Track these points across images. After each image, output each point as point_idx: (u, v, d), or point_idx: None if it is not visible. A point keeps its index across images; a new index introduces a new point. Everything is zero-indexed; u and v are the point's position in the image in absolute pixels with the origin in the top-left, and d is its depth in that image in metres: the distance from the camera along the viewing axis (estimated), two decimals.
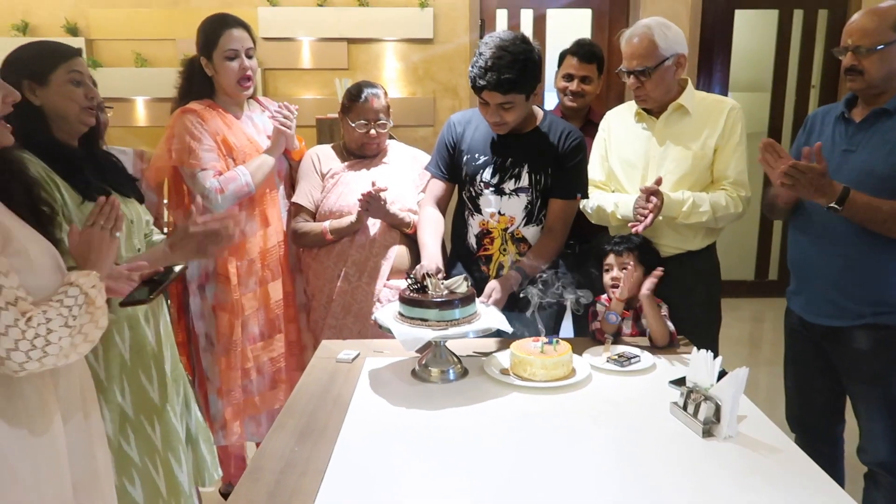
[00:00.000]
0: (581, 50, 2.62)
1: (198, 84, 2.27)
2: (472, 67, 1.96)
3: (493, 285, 1.96)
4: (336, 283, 2.32)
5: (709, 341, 2.19)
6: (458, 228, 2.28)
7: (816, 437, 2.13)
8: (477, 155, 2.17)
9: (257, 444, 2.55)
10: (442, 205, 2.25)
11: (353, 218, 2.27)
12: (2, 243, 1.15)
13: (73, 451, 1.28)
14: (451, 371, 1.80)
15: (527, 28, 4.78)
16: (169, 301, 2.31)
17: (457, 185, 2.29)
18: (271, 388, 2.38)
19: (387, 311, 1.86)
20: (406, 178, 2.40)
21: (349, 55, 4.66)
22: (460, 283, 1.81)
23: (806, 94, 5.03)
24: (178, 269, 1.58)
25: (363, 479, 1.32)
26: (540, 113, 2.17)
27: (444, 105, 4.78)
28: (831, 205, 1.78)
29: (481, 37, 4.70)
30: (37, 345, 1.11)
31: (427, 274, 1.82)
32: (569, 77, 2.63)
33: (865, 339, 1.89)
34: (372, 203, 2.20)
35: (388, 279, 2.31)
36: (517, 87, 1.94)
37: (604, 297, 2.08)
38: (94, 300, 1.21)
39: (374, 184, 2.21)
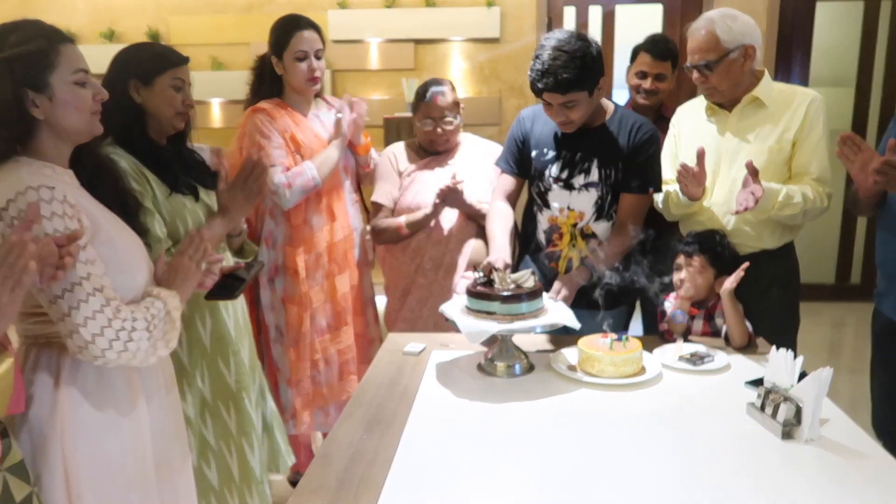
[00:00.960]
0: (655, 47, 2.55)
1: (268, 82, 2.33)
2: (531, 71, 1.94)
3: (562, 281, 1.94)
4: (413, 277, 2.35)
5: (785, 345, 2.10)
6: (527, 224, 2.26)
7: None
8: (545, 150, 2.15)
9: (324, 435, 2.61)
10: (511, 200, 2.24)
11: (428, 210, 2.30)
12: (91, 233, 1.21)
13: (156, 432, 1.34)
14: (517, 366, 1.78)
15: (595, 25, 4.71)
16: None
17: (526, 181, 2.27)
18: (339, 380, 2.43)
19: (454, 303, 1.85)
20: (480, 173, 2.41)
21: (416, 56, 4.70)
22: (527, 278, 1.79)
23: (894, 88, 4.76)
24: (258, 265, 1.65)
25: (429, 470, 1.32)
26: (610, 106, 2.13)
27: (509, 104, 4.76)
28: None
29: None
30: (121, 337, 1.16)
31: (494, 268, 1.81)
32: (642, 74, 2.57)
33: None
34: (450, 195, 2.23)
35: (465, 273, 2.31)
36: (577, 86, 1.91)
37: (672, 295, 2.02)
38: (174, 319, 1.26)
39: (454, 175, 2.24)
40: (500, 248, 2.02)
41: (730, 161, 2.07)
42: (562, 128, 2.06)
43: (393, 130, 4.11)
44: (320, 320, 2.37)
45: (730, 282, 1.85)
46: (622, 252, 2.08)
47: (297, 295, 2.32)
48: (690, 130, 2.19)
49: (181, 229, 1.69)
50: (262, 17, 4.62)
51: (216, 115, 4.89)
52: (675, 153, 2.22)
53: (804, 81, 4.68)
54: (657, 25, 4.68)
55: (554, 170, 2.12)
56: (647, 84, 2.54)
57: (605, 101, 2.13)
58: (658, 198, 2.21)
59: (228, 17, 4.76)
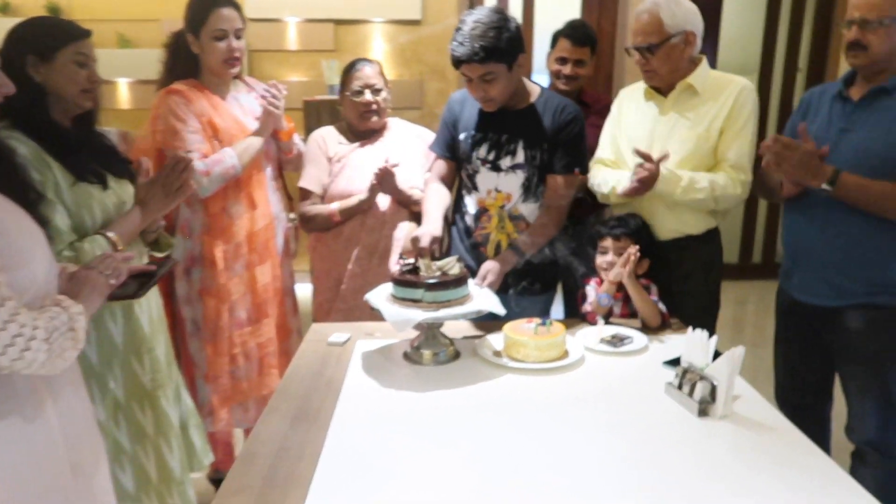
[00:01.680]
0: (575, 33, 2.57)
1: (183, 61, 2.21)
2: (451, 45, 1.93)
3: (487, 266, 1.94)
4: (346, 265, 2.31)
5: (705, 328, 2.18)
6: (457, 208, 2.25)
7: (805, 416, 2.11)
8: (472, 132, 2.14)
9: (245, 432, 2.53)
10: (447, 184, 2.23)
11: (362, 195, 2.25)
12: None
13: (68, 433, 1.25)
14: (442, 353, 1.77)
15: (516, 8, 4.72)
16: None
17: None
18: (259, 374, 2.35)
19: (379, 292, 1.83)
20: (412, 157, 2.38)
21: (336, 36, 4.59)
22: (453, 265, 1.78)
23: (792, 77, 5.02)
24: (167, 264, 1.56)
25: (358, 463, 1.30)
26: (536, 89, 2.13)
27: (431, 87, 4.72)
28: (823, 186, 1.77)
29: None
30: (17, 343, 1.06)
31: (420, 255, 1.79)
32: (562, 60, 2.59)
33: (859, 319, 1.88)
34: (385, 178, 2.20)
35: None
36: (494, 56, 1.91)
37: (593, 279, 2.06)
38: (76, 335, 1.17)
39: (387, 160, 2.20)
40: (432, 221, 2.00)
41: (662, 146, 2.10)
42: (483, 105, 2.05)
43: (313, 114, 4.00)
44: (239, 313, 2.28)
45: (619, 265, 1.89)
46: (550, 234, 2.09)
47: (215, 287, 2.23)
48: (632, 111, 2.21)
49: (87, 221, 1.57)
50: None
51: (124, 95, 4.62)
52: (615, 133, 2.24)
53: (712, 68, 4.86)
54: (575, 11, 4.74)
55: (481, 152, 2.12)
56: (567, 70, 2.57)
57: (529, 83, 2.14)
58: (593, 180, 2.21)
59: None
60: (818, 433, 2.13)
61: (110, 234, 1.56)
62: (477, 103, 2.11)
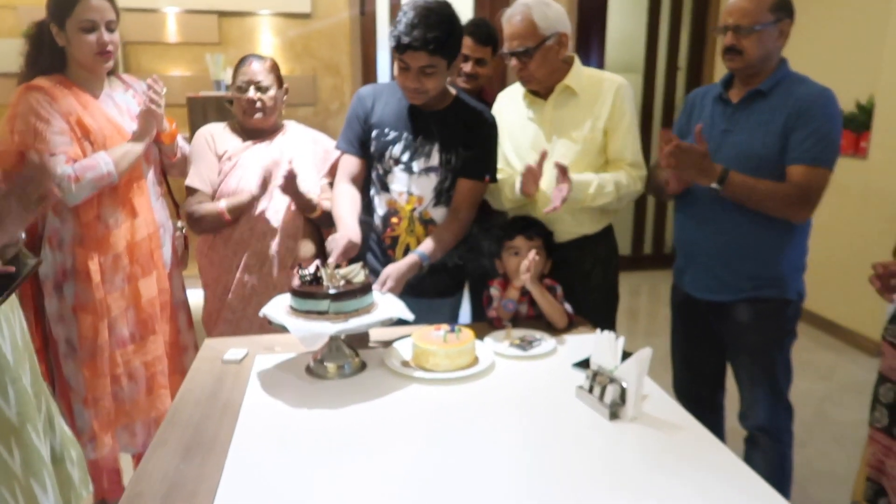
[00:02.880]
0: (477, 31, 2.54)
1: (47, 53, 2.01)
2: (395, 27, 1.85)
3: (387, 271, 1.87)
4: (234, 273, 2.19)
5: (607, 322, 2.22)
6: (363, 210, 2.15)
7: (701, 406, 2.21)
8: (387, 130, 2.05)
9: (134, 457, 2.34)
10: (357, 182, 2.12)
11: (253, 190, 2.14)
12: None
13: None
14: (347, 365, 1.70)
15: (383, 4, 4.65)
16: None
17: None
18: (147, 395, 2.17)
19: (276, 304, 1.72)
20: (307, 160, 2.28)
21: (220, 29, 4.36)
22: (357, 272, 1.70)
23: (674, 75, 5.28)
24: (27, 268, 1.35)
25: (261, 494, 1.20)
26: (452, 91, 2.08)
27: (325, 83, 4.59)
28: (712, 185, 1.83)
29: (362, 13, 4.60)
30: None
31: (321, 264, 1.70)
32: (464, 58, 2.56)
33: (747, 312, 1.97)
34: (288, 181, 2.07)
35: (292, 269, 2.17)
36: (443, 49, 1.85)
37: (496, 280, 2.05)
38: None
39: (290, 161, 2.10)
40: (349, 226, 1.92)
41: (548, 150, 2.11)
42: (412, 97, 1.97)
43: (198, 111, 3.77)
44: (121, 330, 2.10)
45: (524, 269, 1.89)
46: (455, 239, 2.05)
47: (91, 302, 2.03)
48: (513, 117, 2.20)
49: None
50: None
51: None
52: (498, 141, 2.23)
53: (600, 67, 5.02)
54: (468, 8, 4.75)
55: (395, 151, 2.04)
56: (468, 68, 2.54)
57: (448, 85, 2.08)
58: (491, 188, 2.19)
59: None
60: (713, 421, 2.24)
61: None
62: (392, 100, 2.03)
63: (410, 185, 2.05)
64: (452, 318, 2.21)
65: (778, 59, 1.92)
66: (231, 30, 4.39)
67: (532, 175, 1.99)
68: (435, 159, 2.04)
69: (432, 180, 2.05)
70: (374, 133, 2.07)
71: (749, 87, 1.93)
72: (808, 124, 1.82)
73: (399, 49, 1.86)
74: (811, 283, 2.06)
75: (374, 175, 2.10)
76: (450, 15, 1.87)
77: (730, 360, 2.13)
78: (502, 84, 4.66)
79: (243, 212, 2.17)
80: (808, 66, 2.28)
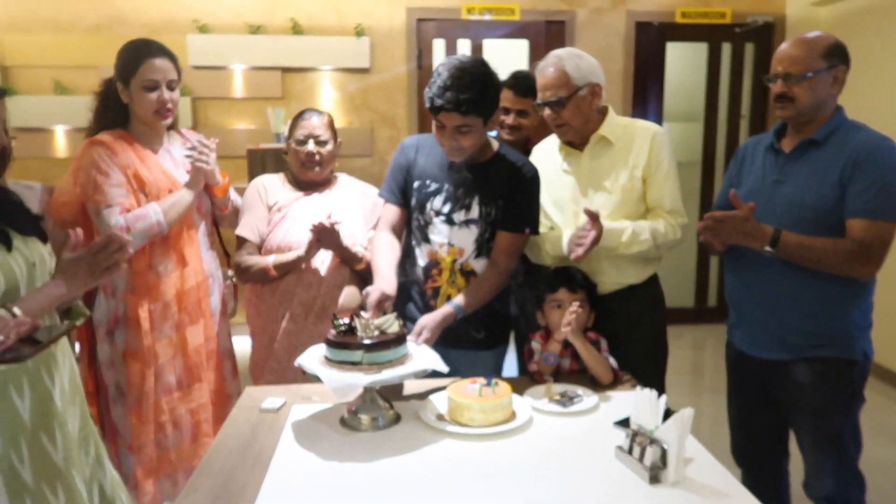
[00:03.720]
0: (518, 83, 2.57)
1: (113, 110, 2.14)
2: (430, 88, 1.89)
3: (423, 322, 1.87)
4: (280, 323, 2.22)
5: (656, 375, 2.16)
6: (405, 259, 2.17)
7: (762, 471, 2.09)
8: (428, 181, 2.08)
9: None
10: (397, 231, 2.15)
11: (300, 252, 2.17)
12: None
13: None
14: (381, 418, 1.69)
15: None
16: (78, 348, 2.13)
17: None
18: (192, 443, 2.21)
19: (311, 355, 1.73)
20: (356, 212, 2.32)
21: (283, 84, 4.56)
22: (391, 322, 1.71)
23: (736, 123, 5.17)
24: (63, 326, 1.41)
25: None
26: (496, 143, 2.10)
27: (381, 135, 4.71)
28: (766, 248, 1.77)
29: (419, 67, 4.74)
30: None
31: (356, 314, 1.71)
32: (505, 111, 2.58)
33: (805, 372, 1.87)
34: (325, 234, 2.12)
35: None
36: (476, 109, 1.88)
37: (538, 333, 2.01)
38: None
39: (329, 215, 2.13)
40: (385, 276, 1.94)
41: (587, 201, 2.10)
42: (450, 155, 2.00)
43: (258, 162, 3.93)
44: (168, 377, 2.15)
45: (566, 323, 1.85)
46: (493, 291, 2.04)
47: (140, 349, 2.10)
48: (550, 169, 2.20)
49: None
50: (112, 39, 4.27)
51: (61, 143, 4.48)
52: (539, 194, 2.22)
53: (659, 117, 4.98)
54: (523, 60, 4.82)
55: (436, 203, 2.07)
56: (509, 120, 2.55)
57: (491, 137, 2.11)
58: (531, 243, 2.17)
59: (73, 37, 4.40)
60: (777, 488, 2.10)
61: (15, 310, 1.42)
62: (434, 150, 2.06)
63: (451, 236, 2.06)
64: (495, 371, 2.17)
65: (833, 106, 1.86)
66: (293, 85, 4.59)
67: (582, 235, 1.96)
68: (475, 212, 2.05)
69: (473, 232, 2.05)
70: (415, 184, 2.10)
71: (802, 136, 1.87)
72: (868, 175, 1.74)
73: (433, 111, 1.90)
74: (884, 337, 1.93)
75: (414, 226, 2.12)
76: (484, 74, 1.89)
77: (791, 423, 2.00)
78: (548, 134, 4.69)
79: (290, 269, 2.21)
80: (867, 114, 2.20)
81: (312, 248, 2.16)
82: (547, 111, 2.06)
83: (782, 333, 1.88)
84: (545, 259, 2.17)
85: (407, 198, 2.14)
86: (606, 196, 2.08)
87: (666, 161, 2.07)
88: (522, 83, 2.55)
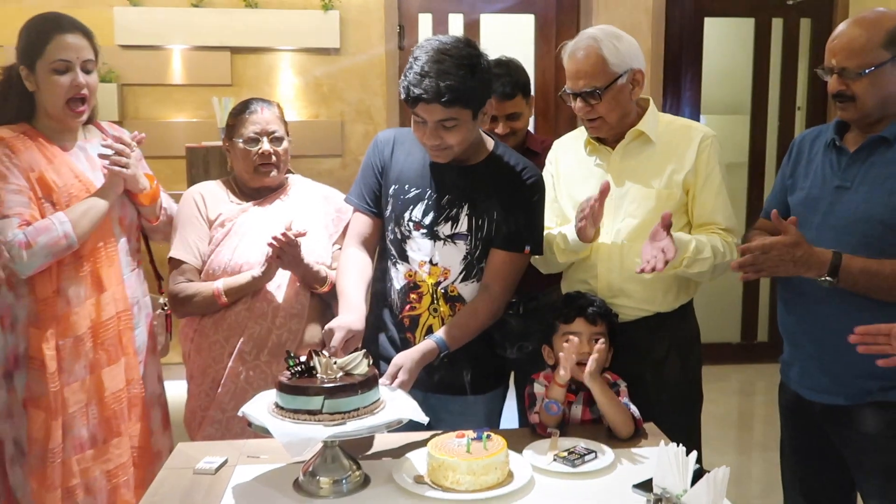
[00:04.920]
0: (499, 87, 2.54)
1: (15, 99, 2.16)
2: (405, 76, 1.91)
3: (398, 361, 1.87)
4: (225, 363, 2.22)
5: (688, 427, 2.17)
6: (377, 280, 2.18)
7: None
8: (407, 186, 2.09)
9: None
10: (369, 245, 2.16)
11: (256, 272, 2.17)
12: None
13: None
14: (346, 481, 1.69)
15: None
16: None
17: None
18: None
19: (259, 403, 1.73)
20: (317, 223, 2.33)
21: (233, 68, 4.58)
22: (358, 362, 1.71)
23: (790, 116, 5.22)
24: None
25: None
26: (490, 142, 2.12)
27: (354, 130, 4.74)
28: (823, 278, 1.78)
29: (400, 48, 4.78)
30: None
31: (315, 352, 1.71)
32: (492, 119, 2.61)
33: (875, 420, 1.87)
34: (287, 250, 2.12)
35: None
36: (461, 99, 1.88)
37: (542, 373, 2.02)
38: None
39: (289, 226, 2.14)
40: (352, 306, 1.95)
41: (614, 208, 2.11)
42: (433, 155, 2.01)
43: (199, 164, 3.94)
44: (79, 430, 2.14)
45: (591, 365, 1.86)
46: (484, 322, 2.04)
47: (45, 396, 2.09)
48: (573, 167, 2.23)
49: None
50: (20, 13, 4.30)
51: None
52: (553, 196, 2.25)
53: (695, 109, 5.03)
54: (529, 38, 4.87)
55: (416, 212, 2.07)
56: (499, 129, 2.58)
57: (484, 134, 2.12)
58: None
59: None
60: None
61: None
62: (416, 149, 2.08)
63: (434, 253, 2.07)
64: (489, 422, 2.17)
65: None
66: (246, 69, 4.61)
67: (592, 212, 1.97)
68: (464, 224, 2.05)
69: (460, 249, 2.06)
70: (391, 189, 2.11)
71: (871, 133, 1.89)
72: None
73: (410, 103, 1.91)
74: None
75: (389, 239, 2.13)
76: (469, 56, 1.90)
77: (857, 482, 2.01)
78: (569, 125, 4.73)
79: (245, 294, 2.21)
80: None
81: (272, 267, 2.16)
82: (578, 103, 2.07)
83: (845, 373, 1.88)
84: (558, 258, 2.17)
85: (381, 205, 2.14)
86: (637, 203, 2.10)
87: (717, 171, 2.11)
88: (506, 81, 2.56)
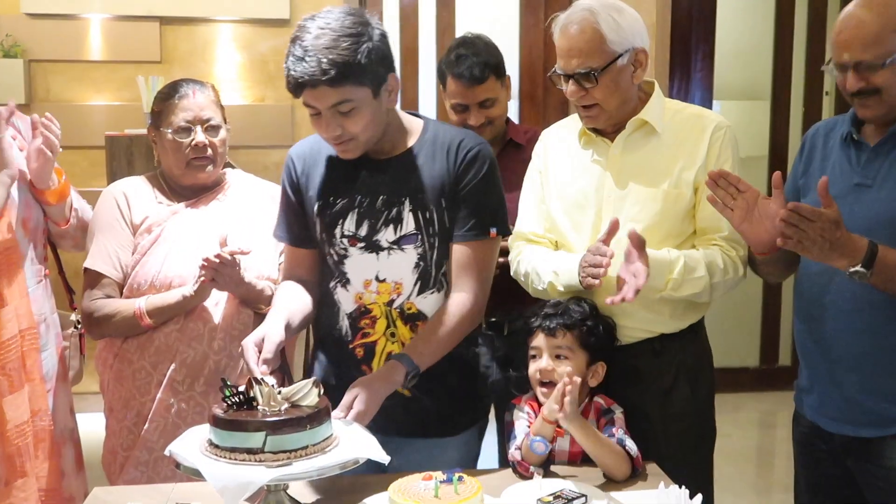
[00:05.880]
0: (464, 70, 2.61)
1: None
2: (286, 60, 1.92)
3: (355, 389, 1.87)
4: (153, 393, 2.22)
5: (697, 465, 2.19)
6: (323, 310, 2.18)
7: None
8: (332, 198, 2.10)
9: None
10: (307, 279, 2.16)
11: (187, 290, 2.18)
12: None
13: None
14: None
15: (428, 11, 4.88)
16: None
17: None
18: None
19: (190, 439, 1.74)
20: (261, 230, 2.33)
21: (162, 42, 4.60)
22: (307, 391, 1.72)
23: (817, 102, 5.31)
24: None
25: None
26: (418, 124, 2.13)
27: (307, 116, 4.61)
28: (855, 268, 1.80)
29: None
30: None
31: (255, 379, 1.72)
32: (461, 108, 2.63)
33: None
34: (223, 272, 2.12)
35: None
36: (349, 74, 1.88)
37: (526, 400, 2.04)
38: None
39: (224, 240, 2.14)
40: (270, 321, 1.94)
41: (613, 210, 2.13)
42: (340, 150, 2.01)
43: (121, 155, 3.93)
44: None
45: (567, 407, 1.83)
46: (461, 332, 2.04)
47: None
48: (564, 162, 2.24)
49: None
50: None
51: None
52: (540, 195, 2.27)
53: (707, 93, 5.08)
54: (513, 10, 4.90)
55: (348, 225, 2.08)
56: (472, 119, 2.60)
57: (408, 116, 2.14)
58: (528, 268, 2.20)
59: None
60: None
61: None
62: (335, 156, 2.08)
63: (379, 268, 2.08)
64: (465, 461, 2.17)
65: None
66: (176, 43, 4.62)
67: (600, 261, 1.98)
68: (409, 223, 2.06)
69: (409, 256, 2.07)
70: (315, 207, 2.12)
71: (891, 125, 1.93)
72: None
73: (294, 91, 1.93)
74: None
75: (329, 263, 2.14)
76: (355, 25, 1.90)
77: None
78: (559, 112, 4.77)
79: (172, 316, 2.21)
80: None
81: (204, 290, 2.17)
82: (571, 86, 2.09)
83: (872, 401, 1.92)
84: (551, 294, 2.18)
85: (308, 233, 2.16)
86: (640, 205, 2.11)
87: (730, 167, 2.10)
88: (469, 66, 2.58)
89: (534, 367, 2.00)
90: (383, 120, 2.02)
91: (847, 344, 1.94)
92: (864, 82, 1.87)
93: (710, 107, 4.94)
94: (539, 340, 2.01)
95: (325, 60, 1.85)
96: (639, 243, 1.94)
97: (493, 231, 2.08)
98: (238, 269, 2.15)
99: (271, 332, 1.88)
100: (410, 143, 2.10)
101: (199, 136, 2.26)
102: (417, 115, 2.17)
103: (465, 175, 2.06)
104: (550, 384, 1.95)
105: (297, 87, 1.90)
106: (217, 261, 2.10)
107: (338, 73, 1.86)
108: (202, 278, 2.15)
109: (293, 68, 1.88)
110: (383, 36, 1.97)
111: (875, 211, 1.89)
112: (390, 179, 2.07)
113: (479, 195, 2.08)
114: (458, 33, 4.72)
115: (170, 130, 2.26)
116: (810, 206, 1.77)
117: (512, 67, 4.75)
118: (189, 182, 2.32)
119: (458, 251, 2.07)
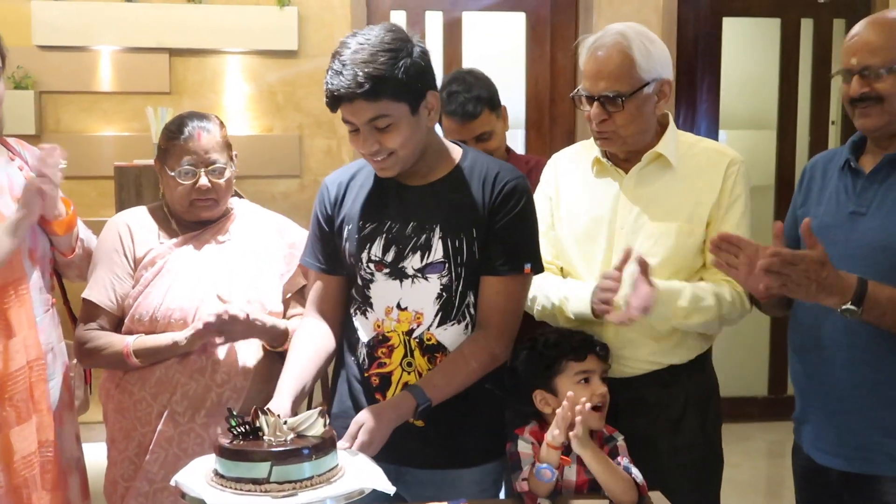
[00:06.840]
0: (458, 108, 2.63)
1: None
2: (326, 75, 1.92)
3: (360, 419, 1.87)
4: (154, 424, 2.22)
5: (705, 496, 2.20)
6: (343, 337, 2.18)
7: None
8: (362, 222, 2.08)
9: None
10: (330, 311, 2.15)
11: (180, 337, 2.18)
12: None
13: None
14: None
15: (435, 37, 4.89)
16: None
17: None
18: None
19: (195, 469, 1.74)
20: (268, 265, 2.34)
21: (171, 73, 4.62)
22: (313, 421, 1.72)
23: (824, 131, 5.30)
24: None
25: None
26: (457, 151, 2.12)
27: (315, 146, 4.76)
28: (846, 306, 1.80)
29: None
30: None
31: (261, 410, 1.72)
32: (460, 143, 2.64)
33: None
34: (227, 327, 2.14)
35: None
36: (387, 89, 1.87)
37: (528, 428, 2.03)
38: None
39: (225, 308, 2.14)
40: (281, 390, 1.95)
41: (625, 243, 2.12)
42: (378, 168, 2.00)
43: (130, 185, 3.93)
44: None
45: (578, 428, 1.85)
46: (479, 371, 2.01)
47: None
48: (576, 189, 2.25)
49: None
50: None
51: None
52: (549, 222, 2.27)
53: (713, 123, 5.09)
54: (520, 40, 4.93)
55: (375, 249, 2.06)
56: None
57: (451, 143, 2.14)
58: (536, 291, 2.20)
59: None
60: None
61: None
62: (369, 181, 2.09)
63: (402, 295, 2.05)
64: (481, 495, 2.12)
65: None
66: (187, 74, 4.64)
67: (613, 286, 1.99)
68: (437, 251, 2.03)
69: (433, 286, 2.04)
70: (346, 232, 2.11)
71: (888, 151, 1.94)
72: None
73: (332, 106, 1.93)
74: None
75: (354, 289, 2.13)
76: (393, 41, 1.91)
77: None
78: (565, 140, 4.78)
79: (161, 359, 2.21)
80: None
81: (196, 340, 2.17)
82: (595, 109, 2.09)
83: (866, 433, 1.91)
84: (559, 321, 2.19)
85: (337, 261, 2.15)
86: (654, 240, 2.12)
87: (740, 204, 2.12)
88: (466, 99, 2.61)
89: (587, 391, 1.96)
90: (422, 139, 2.01)
91: (839, 372, 1.94)
92: (868, 87, 1.88)
93: (715, 136, 4.96)
94: (591, 363, 2.01)
95: (361, 74, 1.84)
96: (644, 269, 1.94)
97: (528, 267, 2.06)
98: (246, 322, 2.15)
99: (285, 402, 1.90)
100: (448, 169, 2.08)
101: (203, 179, 2.25)
102: (458, 144, 2.17)
103: (501, 208, 2.04)
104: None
105: (334, 101, 1.90)
106: (217, 321, 2.12)
107: (374, 87, 1.85)
108: (196, 329, 2.15)
109: (331, 82, 1.89)
110: (424, 53, 1.97)
111: (869, 239, 1.90)
112: (423, 205, 2.06)
113: (515, 229, 2.05)
114: (466, 65, 4.81)
115: (173, 173, 2.26)
116: (791, 251, 1.79)
117: (518, 97, 4.85)
118: (192, 219, 2.33)
119: (490, 285, 2.04)
